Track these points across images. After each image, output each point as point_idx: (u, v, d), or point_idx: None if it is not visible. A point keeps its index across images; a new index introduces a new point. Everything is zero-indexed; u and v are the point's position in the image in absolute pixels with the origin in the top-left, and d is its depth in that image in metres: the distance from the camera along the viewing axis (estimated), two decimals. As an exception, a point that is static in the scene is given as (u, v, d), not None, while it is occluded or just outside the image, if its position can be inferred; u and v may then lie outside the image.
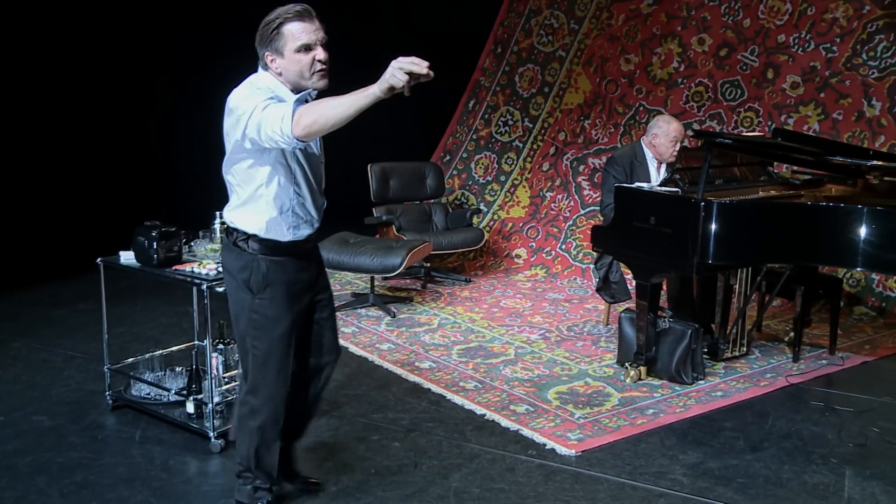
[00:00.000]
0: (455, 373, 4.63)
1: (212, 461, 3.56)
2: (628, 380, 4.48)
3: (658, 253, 4.25)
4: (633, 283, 4.50)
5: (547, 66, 7.83)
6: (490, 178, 7.86)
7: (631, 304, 4.80)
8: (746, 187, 4.59)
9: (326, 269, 3.16)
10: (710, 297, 4.81)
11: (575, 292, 6.40)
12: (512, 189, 7.71)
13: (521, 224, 7.43)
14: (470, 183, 7.94)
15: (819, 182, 4.87)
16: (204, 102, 7.82)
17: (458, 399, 4.24)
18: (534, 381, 4.52)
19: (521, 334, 5.35)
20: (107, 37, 7.47)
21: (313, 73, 2.73)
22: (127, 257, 3.89)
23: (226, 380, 3.93)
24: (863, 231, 3.93)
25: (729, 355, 4.79)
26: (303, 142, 2.57)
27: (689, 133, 5.23)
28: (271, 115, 2.57)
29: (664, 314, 4.57)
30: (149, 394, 4.04)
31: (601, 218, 5.32)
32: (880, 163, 4.34)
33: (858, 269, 4.64)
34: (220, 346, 4.02)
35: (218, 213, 3.86)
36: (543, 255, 7.09)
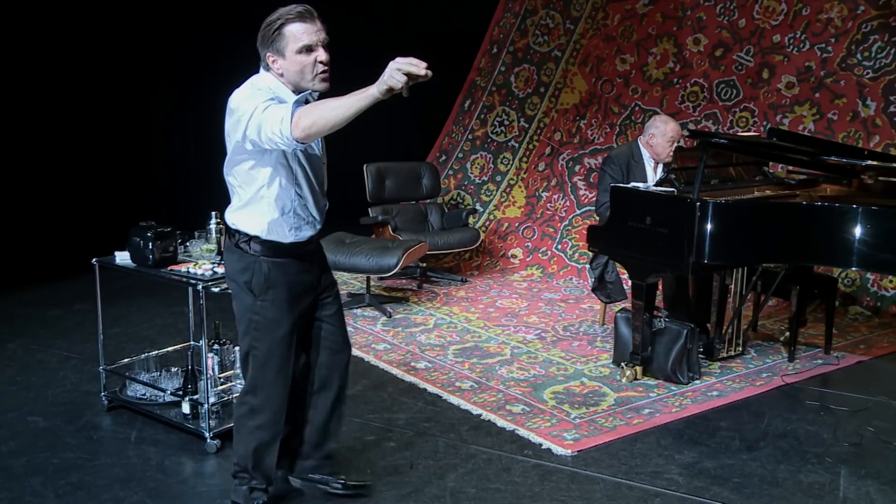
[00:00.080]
0: (451, 373, 4.63)
1: (207, 462, 3.56)
2: (624, 380, 4.48)
3: (654, 253, 4.26)
4: (629, 282, 4.51)
5: (543, 66, 7.83)
6: (486, 178, 7.87)
7: (627, 304, 4.80)
8: (742, 187, 4.60)
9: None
10: (706, 296, 4.82)
11: (571, 292, 6.41)
12: (508, 189, 7.71)
13: (516, 224, 7.43)
14: (466, 183, 7.94)
15: (814, 182, 4.88)
16: (199, 103, 7.82)
17: (454, 399, 4.24)
18: (530, 381, 4.52)
19: (517, 334, 5.35)
20: (102, 37, 7.45)
21: (315, 75, 2.74)
22: (122, 257, 3.89)
23: (221, 380, 3.93)
24: (858, 231, 3.94)
25: (725, 355, 4.80)
26: (302, 143, 2.57)
27: (685, 133, 5.23)
28: (271, 116, 2.56)
29: (660, 314, 4.57)
30: (144, 394, 4.03)
31: (597, 217, 5.32)
32: (875, 163, 4.35)
33: (853, 268, 4.65)
34: (216, 346, 4.02)
35: (214, 213, 3.85)
36: (539, 255, 7.10)
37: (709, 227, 4.02)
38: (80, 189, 7.48)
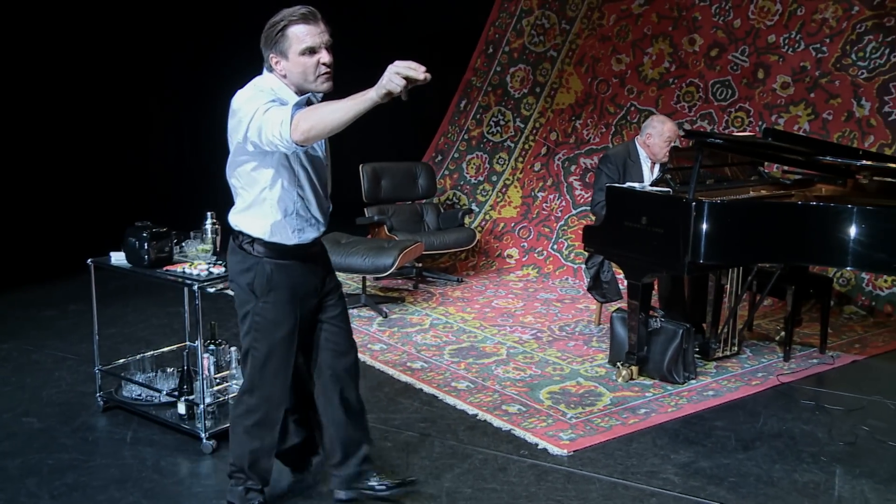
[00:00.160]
0: (447, 373, 4.63)
1: (203, 462, 3.55)
2: (620, 379, 4.49)
3: (649, 253, 4.26)
4: (625, 282, 4.51)
5: (538, 67, 7.83)
6: (482, 179, 7.87)
7: (622, 304, 4.80)
8: (737, 187, 4.61)
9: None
10: (702, 296, 4.83)
11: (567, 292, 6.41)
12: (503, 189, 7.71)
13: (512, 224, 7.44)
14: (461, 183, 7.94)
15: (809, 182, 4.89)
16: (195, 104, 7.82)
17: (450, 399, 4.24)
18: (526, 381, 4.52)
19: (512, 334, 5.35)
20: (101, 37, 7.44)
21: (318, 76, 2.73)
22: (118, 258, 3.88)
23: (217, 380, 3.92)
24: (853, 231, 3.95)
25: (720, 355, 4.81)
26: (302, 146, 2.57)
27: (681, 133, 5.24)
28: (271, 118, 2.56)
29: (656, 314, 4.58)
30: (140, 395, 4.02)
31: (592, 216, 5.33)
32: (870, 163, 4.36)
33: (848, 268, 4.66)
34: (212, 346, 4.01)
35: (209, 213, 3.85)
36: (535, 255, 7.10)
37: (704, 226, 4.03)
38: (75, 189, 7.48)
